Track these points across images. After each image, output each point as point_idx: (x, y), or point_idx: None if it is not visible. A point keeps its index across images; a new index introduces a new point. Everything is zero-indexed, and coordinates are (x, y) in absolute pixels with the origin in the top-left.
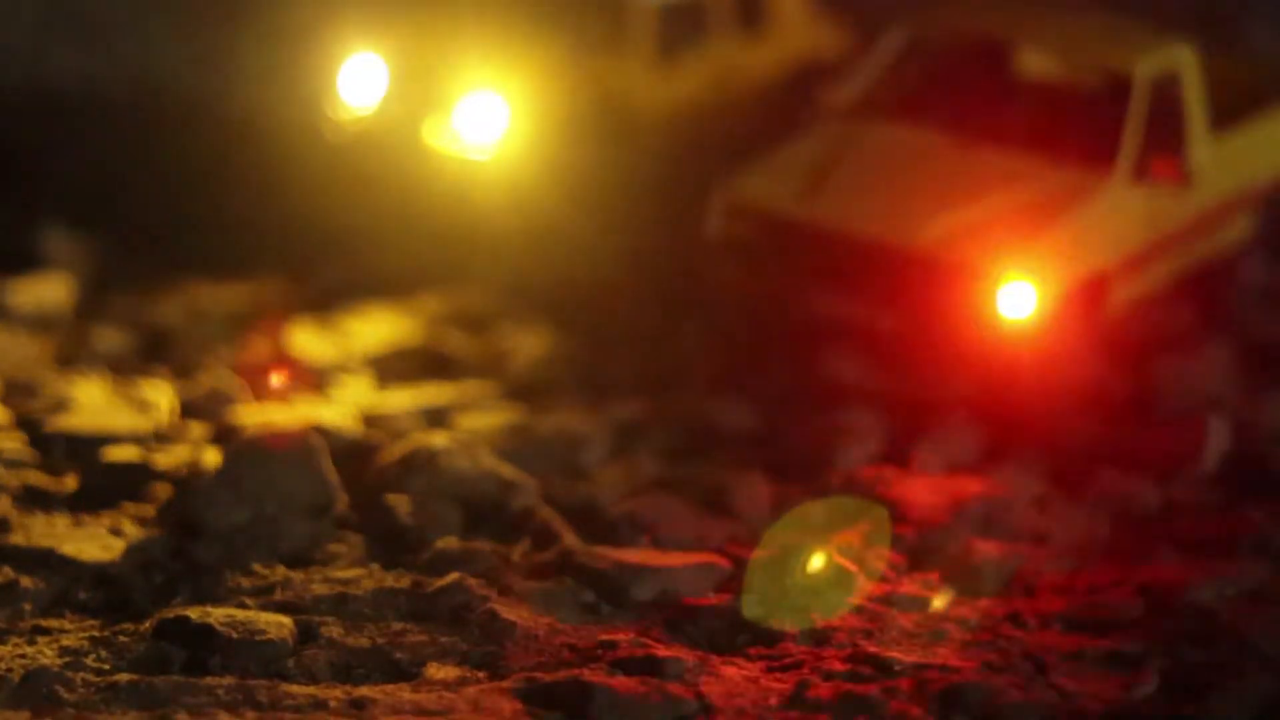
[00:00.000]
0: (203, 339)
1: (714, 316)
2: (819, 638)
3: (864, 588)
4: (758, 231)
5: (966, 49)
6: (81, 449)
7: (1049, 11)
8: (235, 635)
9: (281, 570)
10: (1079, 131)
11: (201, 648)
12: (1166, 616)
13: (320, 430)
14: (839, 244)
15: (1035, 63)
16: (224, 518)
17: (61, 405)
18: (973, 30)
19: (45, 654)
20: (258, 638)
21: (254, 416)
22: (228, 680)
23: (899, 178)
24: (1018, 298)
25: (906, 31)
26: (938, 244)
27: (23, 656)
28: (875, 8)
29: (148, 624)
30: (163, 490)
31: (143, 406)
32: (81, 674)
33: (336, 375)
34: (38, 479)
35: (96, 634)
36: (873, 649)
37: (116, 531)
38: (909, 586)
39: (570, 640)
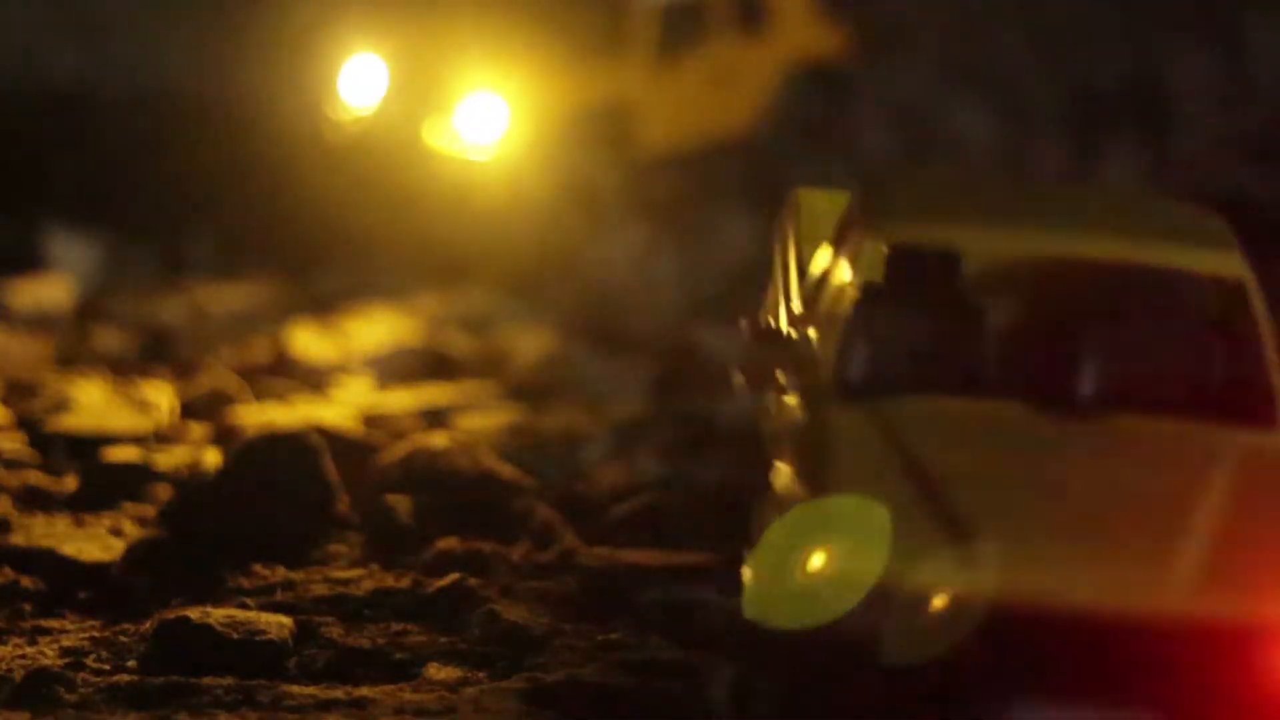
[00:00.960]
0: (203, 339)
1: None
2: (818, 637)
3: (864, 588)
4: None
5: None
6: (82, 449)
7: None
8: (235, 635)
9: (282, 570)
10: (1205, 371)
11: (202, 648)
12: None
13: (320, 430)
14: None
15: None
16: (224, 518)
17: (62, 405)
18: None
19: (46, 654)
20: (258, 638)
21: (254, 417)
22: (228, 680)
23: (1061, 499)
24: None
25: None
26: (1203, 598)
27: (23, 657)
28: (875, 8)
29: (148, 624)
30: (163, 491)
31: (143, 407)
32: (82, 674)
33: (336, 375)
34: (38, 479)
35: (97, 634)
36: (870, 648)
37: (117, 532)
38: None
39: (570, 640)
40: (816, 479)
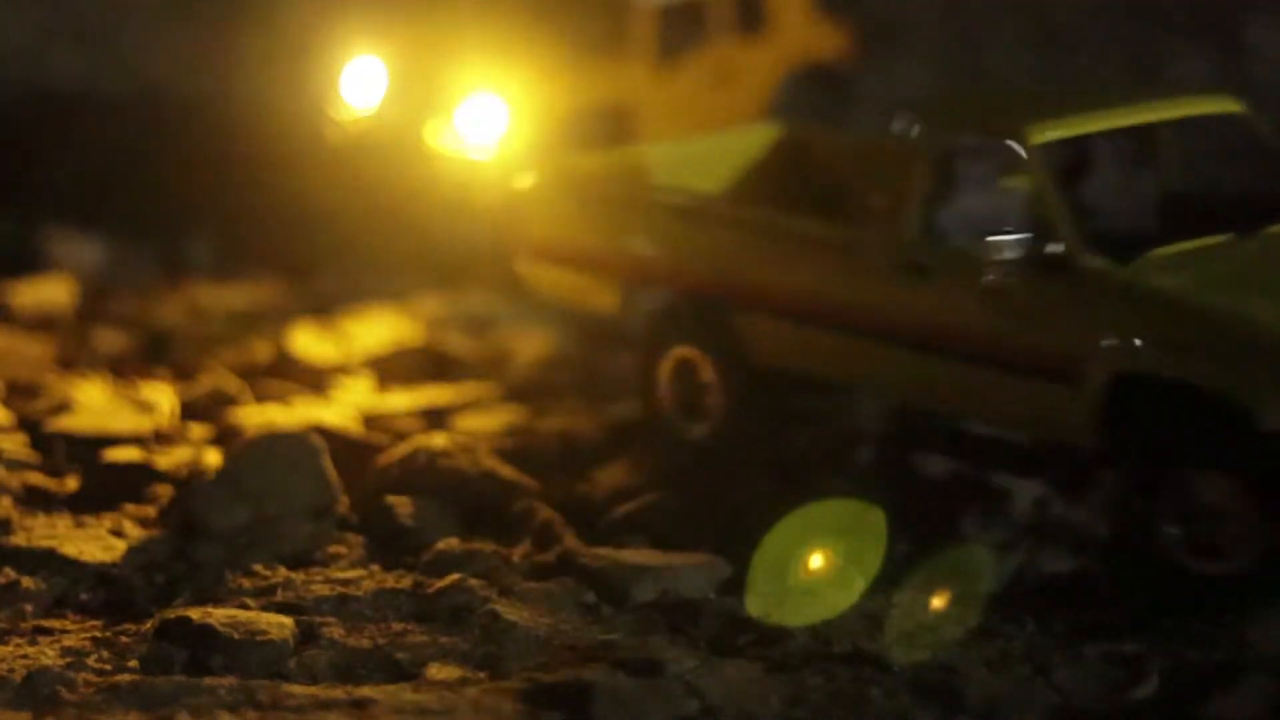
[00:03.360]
0: (203, 339)
1: None
2: (819, 638)
3: (864, 588)
4: None
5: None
6: (83, 450)
7: None
8: (236, 636)
9: (282, 571)
10: None
11: (203, 648)
12: (1167, 616)
13: (320, 430)
14: None
15: None
16: (225, 518)
17: (62, 406)
18: None
19: (47, 654)
20: (259, 638)
21: (254, 417)
22: (229, 681)
23: None
24: None
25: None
26: None
27: (25, 657)
28: (875, 7)
29: (149, 624)
30: (164, 491)
31: (143, 407)
32: (83, 674)
33: (336, 376)
34: (39, 480)
35: (98, 634)
36: (873, 649)
37: (118, 532)
38: (908, 586)
39: (570, 640)
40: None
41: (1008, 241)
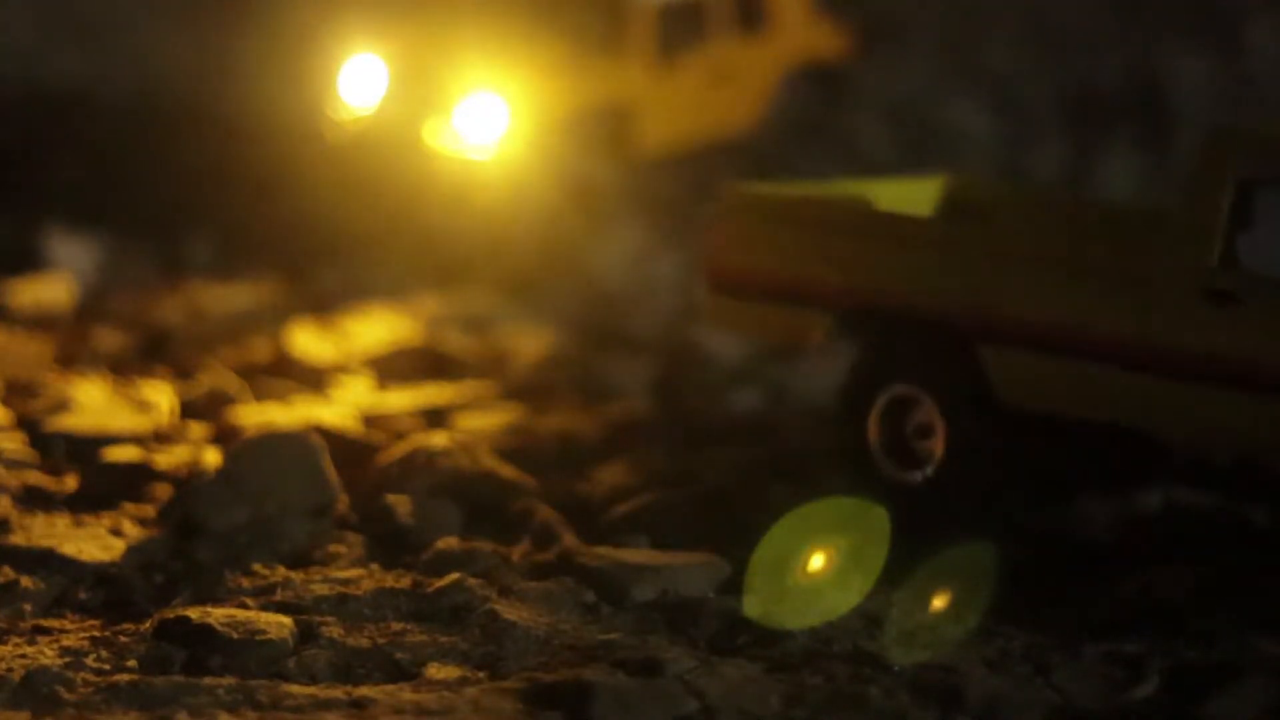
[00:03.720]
0: (203, 339)
1: None
2: (819, 638)
3: (864, 587)
4: None
5: None
6: (82, 449)
7: None
8: (236, 635)
9: (282, 570)
10: None
11: (202, 648)
12: (1166, 617)
13: (320, 430)
14: None
15: None
16: (224, 518)
17: (62, 405)
18: None
19: (45, 654)
20: (258, 638)
21: (254, 417)
22: (228, 680)
23: None
24: None
25: None
26: None
27: (23, 656)
28: (874, 7)
29: (148, 624)
30: (163, 490)
31: (143, 407)
32: (82, 674)
33: (336, 375)
34: (38, 479)
35: (97, 634)
36: (873, 649)
37: (117, 532)
38: (907, 586)
39: (570, 640)
40: None
41: None
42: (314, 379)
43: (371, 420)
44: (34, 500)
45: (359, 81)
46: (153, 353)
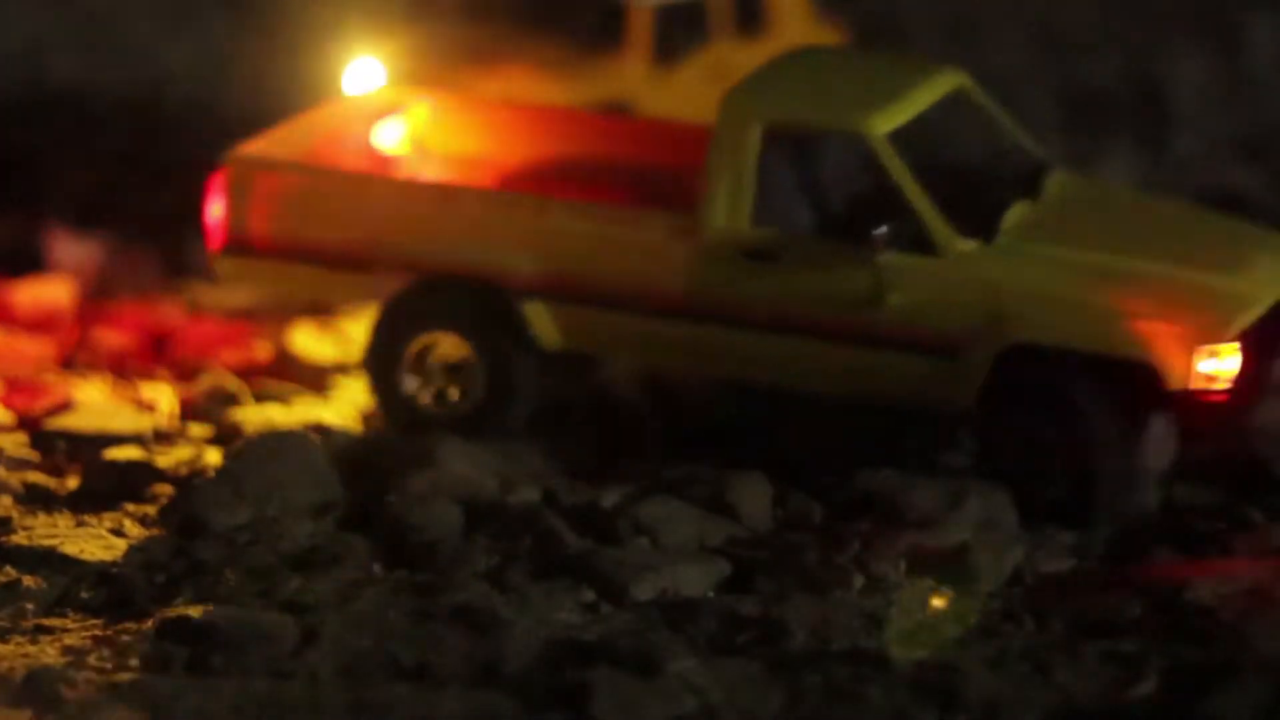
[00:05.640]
0: (203, 339)
1: None
2: (818, 636)
3: (863, 587)
4: None
5: None
6: (83, 449)
7: None
8: (237, 635)
9: (283, 570)
10: None
11: (203, 647)
12: (1166, 616)
13: (320, 430)
14: None
15: None
16: (225, 518)
17: (63, 405)
18: None
19: (48, 653)
20: (259, 637)
21: (254, 417)
22: (230, 680)
23: None
24: None
25: None
26: None
27: (25, 655)
28: (873, 6)
29: (150, 623)
30: (164, 490)
31: (144, 407)
32: (84, 673)
33: (336, 375)
34: (40, 479)
35: (99, 633)
36: (872, 648)
37: (118, 531)
38: (909, 586)
39: (571, 640)
40: None
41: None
42: (314, 379)
43: (371, 420)
44: (36, 500)
45: (359, 81)
46: (153, 353)
